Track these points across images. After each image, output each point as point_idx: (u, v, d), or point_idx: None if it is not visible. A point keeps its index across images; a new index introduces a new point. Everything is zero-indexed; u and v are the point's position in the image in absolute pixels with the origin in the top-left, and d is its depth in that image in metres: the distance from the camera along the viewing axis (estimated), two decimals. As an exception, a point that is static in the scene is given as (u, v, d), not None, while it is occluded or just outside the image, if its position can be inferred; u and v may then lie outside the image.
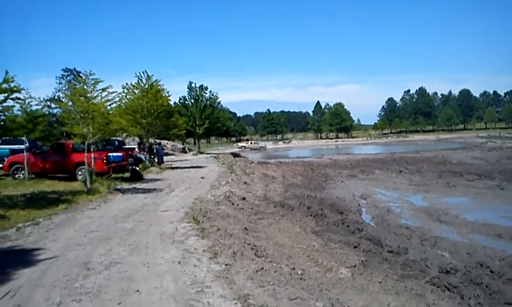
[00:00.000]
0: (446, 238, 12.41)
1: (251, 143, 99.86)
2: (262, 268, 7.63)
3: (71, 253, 8.33)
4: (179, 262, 7.65)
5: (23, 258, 8.02)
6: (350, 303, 6.86)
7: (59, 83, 74.39)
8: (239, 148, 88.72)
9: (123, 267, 7.37)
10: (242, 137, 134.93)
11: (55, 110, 44.08)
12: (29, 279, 6.75)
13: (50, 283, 6.56)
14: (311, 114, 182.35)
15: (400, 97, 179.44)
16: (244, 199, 17.08)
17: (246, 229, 11.43)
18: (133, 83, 31.38)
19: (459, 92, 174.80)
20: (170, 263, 7.61)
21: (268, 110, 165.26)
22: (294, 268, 8.32)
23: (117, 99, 22.38)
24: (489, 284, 8.29)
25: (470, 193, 20.94)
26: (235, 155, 56.35)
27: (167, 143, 56.76)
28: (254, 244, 9.69)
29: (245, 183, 23.29)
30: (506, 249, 11.20)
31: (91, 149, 17.59)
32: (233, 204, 15.34)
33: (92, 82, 17.41)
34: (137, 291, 6.23)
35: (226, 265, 7.58)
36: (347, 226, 13.61)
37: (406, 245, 11.51)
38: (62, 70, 76.02)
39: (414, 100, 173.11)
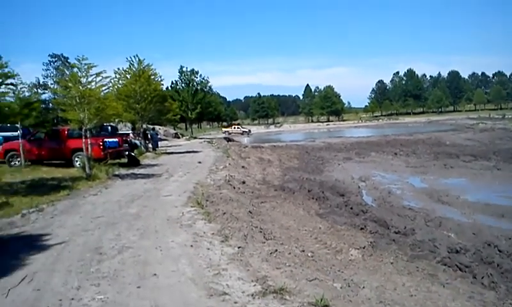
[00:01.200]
0: (450, 219, 12.45)
1: (235, 128, 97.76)
2: (276, 250, 7.62)
3: (80, 238, 8.26)
4: (191, 245, 7.60)
5: (33, 243, 7.95)
6: (365, 284, 6.85)
7: (47, 69, 73.47)
8: (223, 133, 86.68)
9: (135, 251, 7.31)
10: (233, 122, 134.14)
11: (43, 96, 43.67)
12: (44, 264, 6.69)
13: (65, 268, 6.50)
14: (301, 97, 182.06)
15: (390, 79, 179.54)
16: (244, 183, 17.06)
17: (251, 212, 11.42)
18: (124, 68, 31.11)
19: (448, 73, 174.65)
20: (182, 246, 7.57)
21: (258, 94, 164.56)
22: (303, 251, 8.32)
23: (110, 84, 22.12)
24: (500, 263, 8.32)
25: (468, 174, 21.05)
26: (228, 139, 56.23)
27: (159, 128, 56.41)
28: (261, 227, 9.69)
29: (242, 167, 23.28)
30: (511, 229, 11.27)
31: (87, 135, 17.38)
32: (234, 188, 15.33)
33: (85, 67, 17.12)
34: (155, 274, 6.19)
35: (239, 247, 7.55)
36: (351, 208, 13.64)
37: (412, 226, 11.52)
38: (49, 55, 75.02)
39: (403, 82, 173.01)
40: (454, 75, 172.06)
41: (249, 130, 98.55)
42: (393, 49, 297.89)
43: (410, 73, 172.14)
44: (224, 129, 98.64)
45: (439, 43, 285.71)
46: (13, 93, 18.17)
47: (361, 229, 11.00)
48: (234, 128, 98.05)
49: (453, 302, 6.39)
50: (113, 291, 5.58)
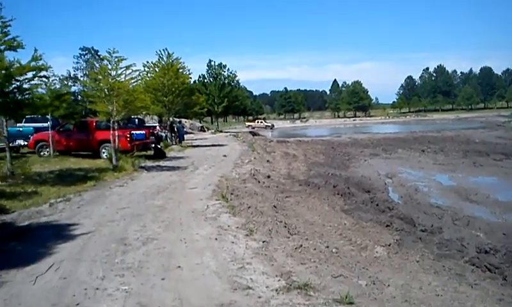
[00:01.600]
0: (479, 218, 12.18)
1: (258, 122, 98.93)
2: (301, 245, 7.58)
3: (105, 229, 8.36)
4: (216, 239, 7.62)
5: (60, 232, 8.09)
6: (390, 282, 6.71)
7: (77, 62, 74.69)
8: (247, 127, 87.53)
9: (160, 243, 7.36)
10: (258, 116, 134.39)
11: (72, 89, 44.49)
12: (70, 253, 6.80)
13: (91, 258, 6.58)
14: (328, 92, 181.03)
15: (419, 75, 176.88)
16: (269, 177, 17.01)
17: (275, 207, 11.37)
18: (154, 61, 31.37)
19: (480, 70, 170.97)
20: (207, 239, 7.59)
21: (285, 88, 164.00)
22: (328, 247, 8.22)
23: (139, 77, 22.30)
24: (533, 266, 8.09)
25: (499, 173, 20.53)
26: (253, 133, 56.26)
27: (185, 122, 56.75)
28: (285, 222, 9.65)
29: (268, 161, 23.23)
30: (545, 231, 10.91)
31: (115, 127, 17.57)
32: (259, 182, 15.29)
33: (116, 60, 17.30)
34: (179, 267, 6.22)
35: (263, 242, 7.53)
36: (377, 205, 13.47)
37: (439, 224, 11.33)
38: (80, 48, 76.53)
39: (433, 78, 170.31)
40: (486, 71, 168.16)
41: (273, 125, 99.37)
42: (423, 45, 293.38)
43: (440, 69, 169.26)
44: (247, 123, 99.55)
45: (472, 39, 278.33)
46: (45, 85, 18.58)
47: (387, 226, 10.85)
48: (258, 122, 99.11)
49: (482, 303, 6.21)
50: (137, 283, 5.62)
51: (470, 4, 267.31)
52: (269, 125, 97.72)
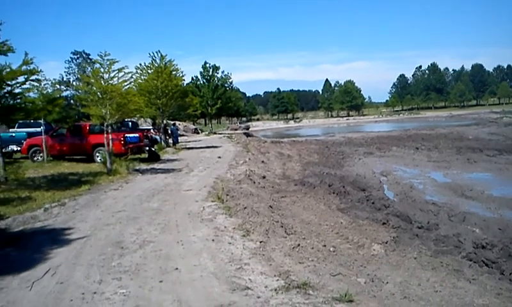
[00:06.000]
0: (475, 214, 12.19)
1: (237, 124, 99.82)
2: (298, 244, 7.56)
3: (101, 233, 8.30)
4: (213, 240, 7.58)
5: (55, 237, 8.03)
6: (388, 279, 6.72)
7: (69, 66, 74.23)
8: (226, 128, 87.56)
9: (157, 246, 7.31)
10: (252, 117, 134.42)
11: (65, 93, 44.40)
12: (67, 258, 6.74)
13: (88, 262, 6.53)
14: (320, 92, 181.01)
15: (412, 73, 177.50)
16: (264, 177, 17.00)
17: (271, 207, 11.34)
18: (146, 64, 31.23)
19: (472, 67, 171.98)
20: (204, 241, 7.55)
21: (278, 89, 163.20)
22: (325, 245, 8.21)
23: (132, 80, 22.18)
24: (529, 260, 8.10)
25: (493, 168, 20.58)
26: (247, 134, 56.17)
27: (179, 124, 56.56)
28: (282, 222, 9.62)
29: (262, 162, 23.18)
30: (540, 225, 10.93)
31: (109, 131, 17.46)
32: (254, 182, 15.26)
33: (108, 63, 17.17)
34: (177, 269, 6.18)
35: (260, 242, 7.51)
36: (373, 203, 13.46)
37: (435, 221, 11.32)
38: (71, 52, 75.87)
39: (426, 76, 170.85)
40: (477, 68, 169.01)
41: (248, 126, 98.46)
42: (415, 43, 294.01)
43: (433, 67, 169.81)
44: (229, 126, 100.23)
45: (463, 36, 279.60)
46: (37, 89, 18.47)
47: (384, 224, 10.84)
48: (235, 124, 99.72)
49: (480, 298, 6.20)
50: (135, 286, 5.58)
51: (461, 2, 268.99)
52: (242, 126, 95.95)
